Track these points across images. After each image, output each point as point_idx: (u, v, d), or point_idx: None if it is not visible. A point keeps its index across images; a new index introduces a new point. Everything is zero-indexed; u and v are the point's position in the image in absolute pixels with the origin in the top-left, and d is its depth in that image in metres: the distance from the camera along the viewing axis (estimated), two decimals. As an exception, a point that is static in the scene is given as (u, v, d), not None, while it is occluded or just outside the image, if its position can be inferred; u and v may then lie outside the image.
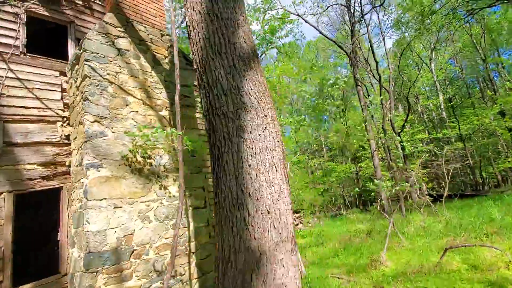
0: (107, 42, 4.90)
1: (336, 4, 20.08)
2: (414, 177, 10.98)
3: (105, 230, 4.11)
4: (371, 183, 8.29)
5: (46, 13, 5.31)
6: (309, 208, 18.66)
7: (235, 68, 2.31)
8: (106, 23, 5.01)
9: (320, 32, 18.97)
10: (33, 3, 5.15)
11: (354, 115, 25.17)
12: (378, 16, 19.50)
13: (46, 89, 5.04)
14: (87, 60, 4.56)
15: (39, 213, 6.57)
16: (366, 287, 5.52)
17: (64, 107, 5.20)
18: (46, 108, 4.98)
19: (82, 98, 4.49)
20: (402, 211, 12.95)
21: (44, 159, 4.79)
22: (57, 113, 5.10)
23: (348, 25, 19.83)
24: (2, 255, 4.03)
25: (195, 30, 2.52)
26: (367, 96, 20.50)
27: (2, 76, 4.60)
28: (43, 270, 4.95)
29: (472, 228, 7.95)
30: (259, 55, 17.53)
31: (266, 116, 2.29)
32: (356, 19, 17.98)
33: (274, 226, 2.04)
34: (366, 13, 17.94)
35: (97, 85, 4.57)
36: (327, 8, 20.05)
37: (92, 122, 4.38)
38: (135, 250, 4.37)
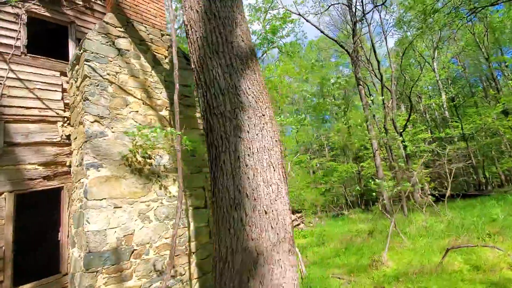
0: (107, 42, 4.91)
1: (338, 3, 20.03)
2: (415, 177, 10.92)
3: (105, 230, 4.11)
4: (372, 182, 8.25)
5: (47, 14, 5.33)
6: (310, 208, 18.64)
7: (233, 67, 2.30)
8: (106, 23, 5.01)
9: (322, 32, 18.94)
10: (34, 4, 5.16)
11: (356, 115, 25.09)
12: (379, 15, 19.47)
13: (47, 89, 5.06)
14: (87, 60, 4.57)
15: (40, 213, 6.59)
16: (367, 287, 5.50)
17: (65, 107, 5.21)
18: (46, 108, 4.99)
19: (82, 98, 4.50)
20: (404, 211, 12.90)
21: (45, 159, 4.80)
22: (58, 113, 5.11)
23: (350, 25, 19.77)
24: (2, 255, 4.05)
25: (192, 29, 2.51)
26: (368, 96, 20.42)
27: (3, 77, 4.61)
28: (44, 270, 4.96)
29: (475, 228, 7.91)
30: (261, 55, 17.52)
31: (264, 115, 2.28)
32: (357, 18, 17.92)
33: (271, 226, 2.02)
34: (368, 12, 17.88)
35: (97, 85, 4.58)
36: (328, 7, 20.01)
37: (92, 122, 4.39)
38: (135, 250, 4.37)
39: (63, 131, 5.10)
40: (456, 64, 28.19)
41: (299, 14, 18.24)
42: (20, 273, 4.77)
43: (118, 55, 4.99)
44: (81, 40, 4.81)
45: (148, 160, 4.89)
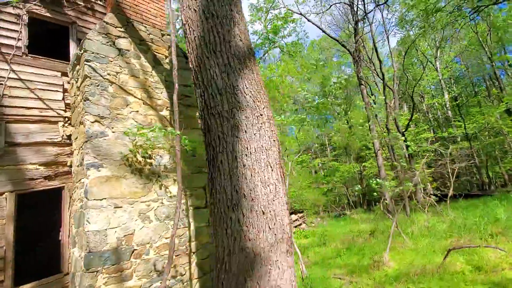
0: (107, 42, 4.92)
1: (339, 3, 19.96)
2: (418, 177, 10.87)
3: (106, 229, 4.12)
4: (374, 182, 8.21)
5: (47, 14, 5.34)
6: (312, 208, 18.60)
7: (230, 66, 2.29)
8: (107, 23, 5.02)
9: (323, 31, 18.89)
10: (35, 4, 5.18)
11: (358, 114, 25.01)
12: (382, 14, 19.34)
13: (48, 90, 5.08)
14: (87, 61, 4.58)
15: (41, 213, 6.62)
16: None
17: (66, 107, 5.23)
18: (47, 109, 5.01)
19: (82, 98, 4.51)
20: (406, 211, 12.84)
21: (46, 159, 4.82)
22: (59, 113, 5.13)
23: (352, 24, 19.70)
24: (3, 255, 4.06)
25: (190, 29, 2.50)
26: (370, 95, 20.35)
27: (4, 77, 4.63)
28: (45, 270, 4.98)
29: (477, 228, 7.85)
30: (262, 55, 17.51)
31: (261, 115, 2.27)
32: (359, 18, 17.86)
33: (269, 227, 2.01)
34: (370, 12, 17.82)
35: (98, 85, 4.58)
36: (330, 7, 19.95)
37: (92, 122, 4.39)
38: (136, 250, 4.38)
39: (64, 131, 5.12)
40: (459, 63, 28.02)
41: (301, 14, 18.21)
42: (21, 273, 4.79)
43: (118, 55, 4.99)
44: (82, 40, 4.83)
45: (149, 160, 4.90)
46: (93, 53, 4.67)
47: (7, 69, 4.69)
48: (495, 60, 22.14)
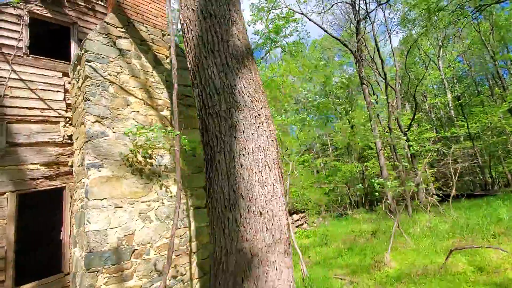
0: (108, 42, 4.93)
1: (341, 2, 19.91)
2: (420, 177, 10.82)
3: (106, 229, 4.13)
4: (375, 182, 8.18)
5: (49, 15, 5.36)
6: (314, 208, 18.57)
7: (228, 66, 2.28)
8: (108, 23, 5.03)
9: (325, 31, 18.85)
10: (36, 5, 5.20)
11: (359, 114, 24.93)
12: (384, 14, 19.28)
13: (49, 90, 5.09)
14: (88, 61, 4.59)
15: (42, 213, 6.65)
16: (369, 288, 5.45)
17: (67, 108, 5.24)
18: (49, 109, 5.03)
19: (83, 99, 4.52)
20: (408, 211, 12.79)
21: (47, 159, 4.83)
22: (60, 114, 5.15)
23: (353, 23, 19.64)
24: (4, 255, 4.08)
25: (188, 28, 2.50)
26: (372, 95, 20.27)
27: (6, 77, 4.65)
28: (46, 270, 5.00)
29: (479, 228, 7.80)
30: (264, 55, 17.49)
31: (259, 114, 2.26)
32: (361, 17, 17.80)
33: (266, 227, 2.00)
34: (372, 11, 17.77)
35: (98, 86, 4.59)
36: (331, 6, 19.90)
37: (93, 122, 4.40)
38: (136, 249, 4.38)
39: (65, 131, 5.13)
40: (462, 63, 27.87)
41: (302, 13, 18.18)
42: (22, 273, 4.81)
43: (119, 55, 5.00)
44: (82, 41, 4.84)
45: (149, 160, 4.90)
46: (93, 53, 4.68)
47: (8, 70, 4.71)
48: (498, 59, 22.01)
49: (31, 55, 5.02)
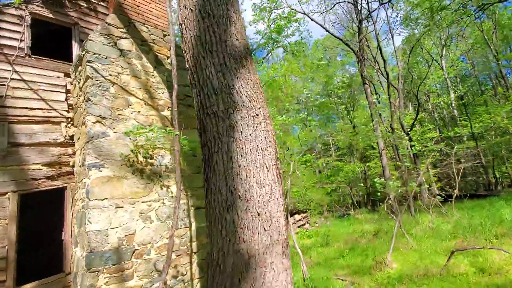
0: (109, 43, 4.94)
1: (343, 1, 19.85)
2: (422, 177, 10.77)
3: (107, 229, 4.14)
4: (378, 182, 8.15)
5: (50, 15, 5.39)
6: (316, 208, 18.53)
7: (226, 66, 2.28)
8: (109, 24, 5.04)
9: (327, 30, 18.80)
10: (38, 6, 5.23)
11: (362, 114, 24.85)
12: (386, 13, 19.22)
13: (51, 90, 5.12)
14: (89, 61, 4.61)
15: (43, 213, 6.68)
16: (370, 289, 5.43)
17: (69, 108, 5.27)
18: (50, 109, 5.05)
19: (84, 99, 4.54)
20: (410, 212, 12.73)
21: (49, 159, 4.86)
22: (62, 114, 5.17)
23: (355, 23, 19.57)
24: (6, 255, 4.10)
25: (186, 28, 2.50)
26: (375, 94, 20.20)
27: (7, 78, 4.68)
28: (47, 269, 5.02)
29: (482, 229, 7.75)
30: (266, 54, 17.47)
31: (257, 115, 2.25)
32: (363, 16, 17.74)
33: (264, 228, 2.00)
34: (374, 10, 17.71)
35: (99, 86, 4.61)
36: (333, 6, 19.84)
37: (94, 123, 4.42)
38: (137, 249, 4.40)
39: (66, 131, 5.16)
40: (465, 62, 27.69)
41: (304, 13, 18.15)
42: (23, 273, 4.83)
43: (120, 55, 5.01)
44: (84, 41, 4.85)
45: (150, 160, 4.91)
46: (95, 54, 4.70)
47: (10, 70, 4.73)
48: (501, 58, 21.84)
49: (33, 56, 5.05)
